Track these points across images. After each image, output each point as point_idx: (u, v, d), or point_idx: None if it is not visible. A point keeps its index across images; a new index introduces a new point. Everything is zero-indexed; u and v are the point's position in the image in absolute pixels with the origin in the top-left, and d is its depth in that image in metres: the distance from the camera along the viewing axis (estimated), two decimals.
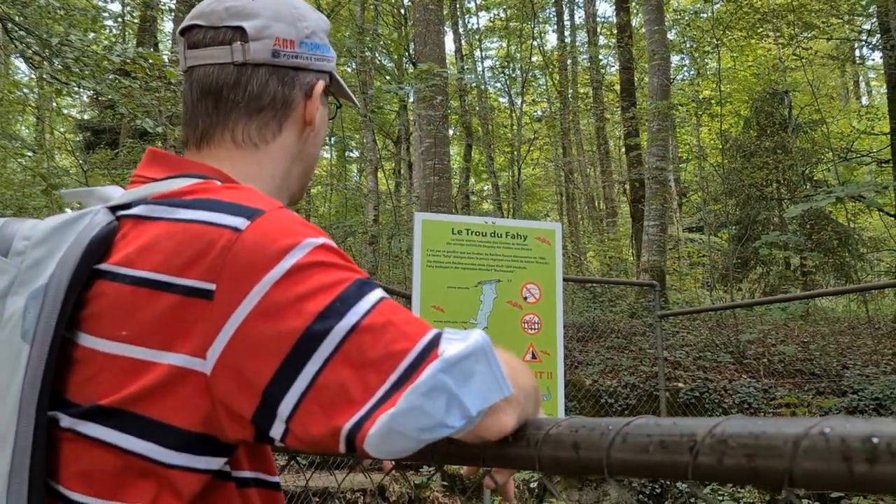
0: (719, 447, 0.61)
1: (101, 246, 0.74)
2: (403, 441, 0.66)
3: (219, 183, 0.83)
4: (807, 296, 8.49)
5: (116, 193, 0.83)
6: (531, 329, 4.29)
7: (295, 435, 0.69)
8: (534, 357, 4.27)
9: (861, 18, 10.48)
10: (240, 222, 0.72)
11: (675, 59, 16.48)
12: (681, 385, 7.24)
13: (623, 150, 16.25)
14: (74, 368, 0.72)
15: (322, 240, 0.74)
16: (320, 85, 0.97)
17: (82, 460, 0.71)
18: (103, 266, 0.73)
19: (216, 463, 0.74)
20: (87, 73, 5.02)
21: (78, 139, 15.09)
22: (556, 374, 4.29)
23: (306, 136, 0.98)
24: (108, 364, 0.71)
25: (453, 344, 0.68)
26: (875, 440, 0.54)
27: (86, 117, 15.99)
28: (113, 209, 0.78)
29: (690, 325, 9.18)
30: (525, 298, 4.33)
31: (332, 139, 18.27)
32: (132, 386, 0.70)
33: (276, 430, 0.70)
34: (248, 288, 0.69)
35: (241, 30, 0.90)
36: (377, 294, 0.72)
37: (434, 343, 0.68)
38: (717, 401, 7.04)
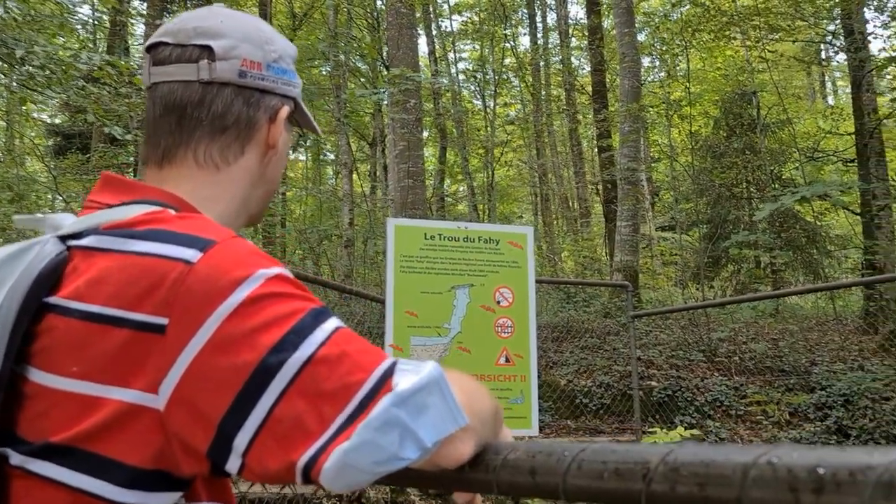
0: (672, 475, 0.62)
1: (51, 278, 0.73)
2: (358, 474, 0.66)
3: (173, 212, 0.82)
4: (776, 295, 8.61)
5: (68, 221, 0.81)
6: (504, 333, 4.31)
7: (251, 469, 0.68)
8: (507, 361, 4.28)
9: (825, 21, 10.67)
10: (191, 254, 0.71)
11: (645, 60, 16.65)
12: (654, 384, 7.31)
13: (596, 150, 16.37)
14: (25, 404, 0.71)
15: (276, 270, 0.73)
16: (285, 110, 0.97)
17: (33, 498, 0.69)
18: (53, 299, 0.72)
19: (171, 498, 0.73)
20: (53, 80, 4.93)
21: (48, 144, 14.83)
22: (530, 377, 4.31)
23: (268, 160, 0.97)
24: (59, 400, 0.70)
25: (407, 376, 0.68)
26: (821, 470, 0.54)
27: (56, 121, 15.73)
28: (63, 238, 0.77)
29: (663, 323, 9.27)
30: (498, 302, 4.34)
31: (308, 142, 18.17)
32: (84, 423, 0.69)
33: (233, 465, 0.69)
34: (200, 321, 0.68)
35: (208, 48, 0.90)
36: (332, 324, 0.71)
37: (388, 374, 0.68)
38: (689, 399, 7.12)
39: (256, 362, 0.66)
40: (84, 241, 0.76)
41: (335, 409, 0.66)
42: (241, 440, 0.67)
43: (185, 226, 0.76)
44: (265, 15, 15.32)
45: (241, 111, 0.92)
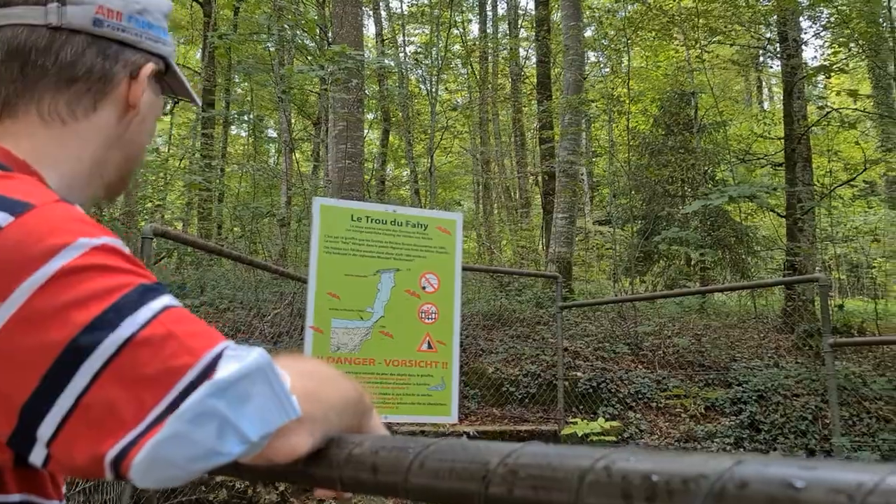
0: (510, 477, 0.59)
1: None
2: (171, 470, 0.59)
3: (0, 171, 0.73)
4: (701, 291, 8.84)
5: None
6: (428, 319, 4.27)
7: (58, 461, 0.61)
8: (430, 347, 4.25)
9: (762, 27, 10.95)
10: (1, 218, 0.63)
11: (592, 56, 16.82)
12: (580, 374, 7.41)
13: (538, 141, 16.48)
14: None
15: (102, 240, 0.65)
16: (149, 67, 0.88)
17: None
18: None
19: None
20: None
21: None
22: (452, 363, 4.29)
23: (129, 121, 0.89)
24: None
25: (230, 363, 0.61)
26: (654, 478, 0.52)
27: None
28: None
29: (593, 315, 9.41)
30: (423, 288, 4.30)
31: (250, 117, 17.73)
32: None
33: (37, 456, 0.62)
34: (5, 294, 0.60)
35: None
36: (162, 302, 0.64)
37: (217, 359, 0.61)
38: (613, 391, 7.25)
39: (66, 341, 0.59)
40: None
41: (155, 397, 0.59)
42: (46, 429, 0.60)
43: (1, 187, 0.68)
44: None
45: (94, 62, 0.84)
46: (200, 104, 1.16)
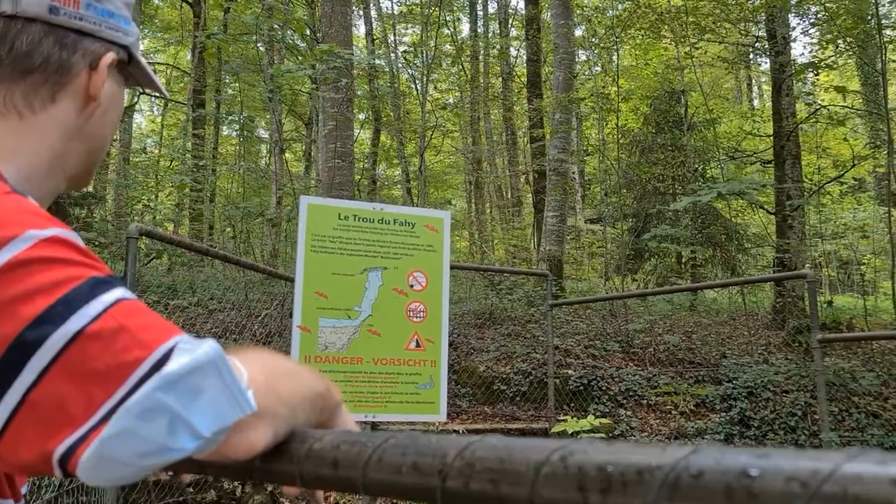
0: (467, 471, 0.57)
1: None
2: (121, 468, 0.57)
3: None
4: (691, 288, 8.85)
5: None
6: (416, 317, 4.25)
7: (4, 459, 0.59)
8: (418, 345, 4.23)
9: (751, 24, 10.98)
10: None
11: (582, 55, 16.82)
12: (571, 372, 7.41)
13: (529, 140, 16.48)
14: None
15: (53, 231, 0.63)
16: (109, 56, 0.86)
17: None
18: None
19: None
20: None
21: None
22: (440, 361, 4.27)
23: (90, 113, 0.86)
24: None
25: (181, 357, 0.59)
26: (609, 468, 0.51)
27: None
28: None
29: (584, 313, 9.41)
30: (411, 286, 4.28)
31: (241, 117, 17.65)
32: None
33: None
34: None
35: None
36: (114, 294, 0.62)
37: (171, 353, 0.60)
38: (604, 388, 7.25)
39: (13, 337, 0.57)
40: None
41: (105, 392, 0.57)
42: None
43: None
44: None
45: (52, 52, 0.81)
46: (168, 96, 1.14)
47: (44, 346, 0.57)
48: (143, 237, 3.64)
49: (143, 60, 0.93)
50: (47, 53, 0.81)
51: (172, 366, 0.58)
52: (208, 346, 0.61)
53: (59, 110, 0.83)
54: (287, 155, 17.24)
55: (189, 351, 0.60)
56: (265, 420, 0.63)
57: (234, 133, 20.87)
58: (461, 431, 5.70)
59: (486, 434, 0.59)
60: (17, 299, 0.58)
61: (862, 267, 13.81)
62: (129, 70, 0.93)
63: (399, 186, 20.27)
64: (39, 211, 0.66)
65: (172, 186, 11.62)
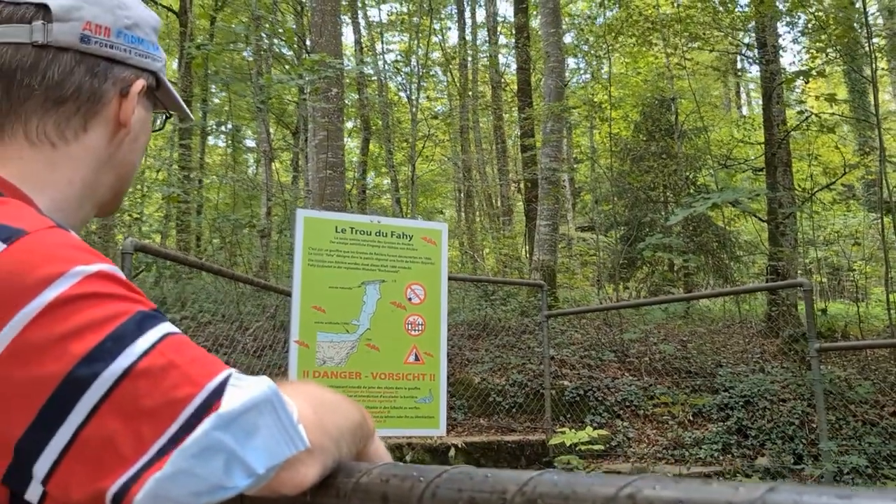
0: None
1: None
2: None
3: None
4: (686, 297, 8.85)
5: None
6: (415, 331, 4.20)
7: (54, 499, 0.59)
8: (417, 359, 4.18)
9: (741, 33, 11.05)
10: None
11: (572, 62, 16.89)
12: (566, 383, 7.37)
13: (519, 149, 16.51)
14: None
15: (98, 266, 0.63)
16: (139, 83, 0.86)
17: None
18: None
19: None
20: None
21: None
22: (439, 375, 4.22)
23: (120, 140, 0.86)
24: None
25: (236, 394, 0.60)
26: None
27: None
28: None
29: (578, 323, 9.38)
30: (409, 299, 4.23)
31: (229, 127, 17.57)
32: None
33: (33, 493, 0.60)
34: None
35: (44, 7, 0.79)
36: (161, 330, 0.62)
37: (221, 389, 0.60)
38: (600, 399, 7.21)
39: (63, 374, 0.57)
40: None
41: (156, 430, 0.57)
42: (42, 465, 0.58)
43: None
44: None
45: (83, 81, 0.81)
46: (193, 119, 1.13)
47: (94, 384, 0.58)
48: (138, 252, 3.57)
49: (169, 85, 0.93)
50: (79, 82, 0.81)
51: (229, 404, 0.59)
52: (265, 383, 0.62)
53: (91, 139, 0.83)
54: (275, 164, 17.16)
55: (243, 388, 0.60)
56: (315, 455, 0.64)
57: (221, 143, 20.80)
58: (459, 445, 5.64)
59: (544, 470, 0.56)
60: (67, 336, 0.59)
61: (853, 273, 13.90)
62: (157, 94, 0.93)
63: (388, 195, 20.24)
64: (83, 245, 0.66)
65: (163, 199, 11.52)
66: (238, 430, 0.58)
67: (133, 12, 0.86)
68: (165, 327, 0.63)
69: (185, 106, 0.98)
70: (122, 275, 0.66)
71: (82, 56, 0.81)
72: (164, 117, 1.00)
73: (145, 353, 0.59)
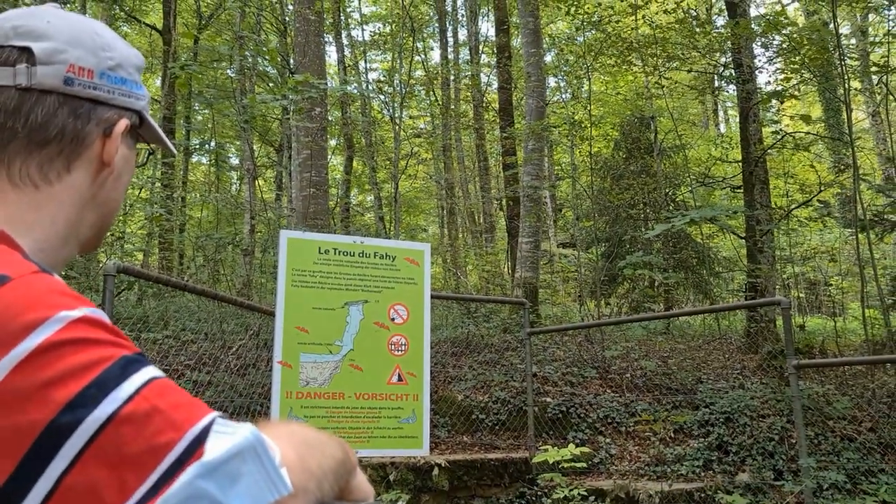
0: None
1: None
2: None
3: None
4: (665, 315, 8.93)
5: None
6: (398, 351, 4.23)
7: None
8: (400, 379, 4.20)
9: (718, 53, 11.26)
10: None
11: (552, 81, 17.07)
12: (549, 400, 7.40)
13: (501, 167, 16.62)
14: None
15: (82, 311, 0.63)
16: (123, 123, 0.86)
17: None
18: None
19: None
20: None
21: None
22: (423, 395, 4.25)
23: (103, 179, 0.87)
24: None
25: (220, 440, 0.60)
26: None
27: None
28: None
29: (560, 340, 9.44)
30: (392, 319, 4.26)
31: (212, 146, 17.55)
32: None
33: None
34: None
35: (28, 51, 0.79)
36: (145, 375, 0.62)
37: (204, 435, 0.60)
38: (582, 415, 7.25)
39: (46, 422, 0.57)
40: None
41: (139, 478, 0.57)
42: None
43: None
44: (169, 13, 14.74)
45: (67, 123, 0.81)
46: (176, 153, 1.14)
47: (77, 431, 0.57)
48: (120, 273, 3.58)
49: (152, 121, 0.94)
50: (62, 124, 0.81)
51: (212, 452, 0.58)
52: (248, 430, 0.62)
53: (75, 179, 0.83)
54: (259, 182, 17.15)
55: (227, 434, 0.60)
56: (298, 498, 0.64)
57: (205, 160, 20.74)
58: (442, 464, 5.65)
59: None
60: (50, 383, 0.58)
61: (829, 288, 14.09)
62: (139, 131, 0.93)
63: (371, 213, 20.26)
64: (67, 290, 0.66)
65: (146, 219, 11.47)
66: (222, 477, 0.58)
67: (116, 53, 0.87)
68: (149, 371, 0.63)
69: (168, 141, 0.99)
70: (106, 319, 0.66)
71: (66, 98, 0.81)
72: (147, 153, 1.02)
73: (129, 398, 0.59)
